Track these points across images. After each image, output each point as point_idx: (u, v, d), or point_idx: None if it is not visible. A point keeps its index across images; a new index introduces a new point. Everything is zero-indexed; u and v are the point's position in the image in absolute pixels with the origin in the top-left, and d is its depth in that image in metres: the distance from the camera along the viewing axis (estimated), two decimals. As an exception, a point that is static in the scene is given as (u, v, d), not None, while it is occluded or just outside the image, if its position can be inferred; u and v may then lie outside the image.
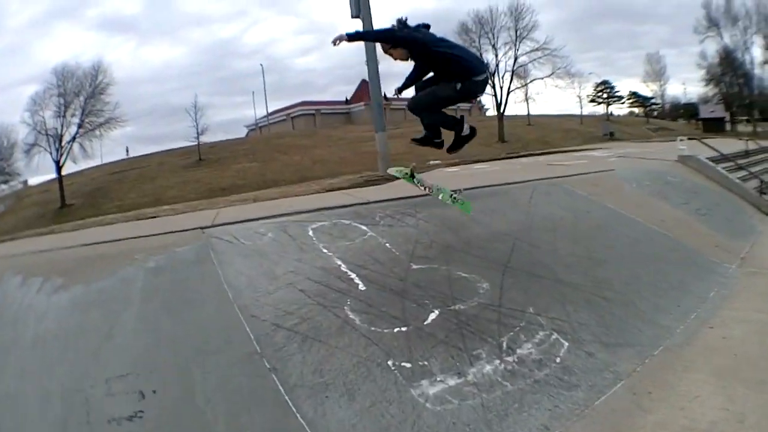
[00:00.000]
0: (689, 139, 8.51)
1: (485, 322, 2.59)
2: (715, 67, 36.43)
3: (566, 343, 2.59)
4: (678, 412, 2.01)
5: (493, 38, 29.03)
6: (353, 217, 3.64)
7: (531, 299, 2.91)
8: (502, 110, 28.73)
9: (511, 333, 2.58)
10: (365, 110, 36.22)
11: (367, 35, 3.96)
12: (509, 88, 29.01)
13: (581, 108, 38.90)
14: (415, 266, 3.13)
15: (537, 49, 28.48)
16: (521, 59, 28.97)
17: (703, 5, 32.64)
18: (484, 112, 41.53)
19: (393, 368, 2.17)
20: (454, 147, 3.43)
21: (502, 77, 28.69)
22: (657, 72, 41.73)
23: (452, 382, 2.18)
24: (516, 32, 28.52)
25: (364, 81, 35.77)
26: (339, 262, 3.02)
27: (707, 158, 7.05)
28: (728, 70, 35.58)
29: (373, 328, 2.44)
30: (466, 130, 3.33)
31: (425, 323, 2.52)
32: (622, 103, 46.68)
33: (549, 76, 29.48)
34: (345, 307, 2.56)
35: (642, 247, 4.10)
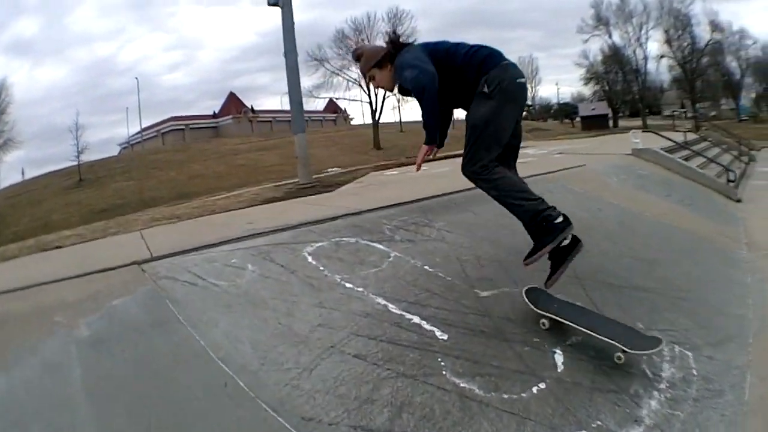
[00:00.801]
0: (643, 131, 10.87)
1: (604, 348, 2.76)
2: (598, 65, 49.72)
3: (690, 353, 3.04)
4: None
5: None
6: (356, 233, 3.69)
7: (629, 312, 3.29)
8: (377, 118, 36.06)
9: (644, 357, 2.86)
10: (233, 123, 50.30)
11: (426, 108, 2.93)
12: (384, 95, 36.30)
13: (454, 114, 52.27)
14: (483, 293, 3.22)
15: None
16: None
17: (593, 4, 46.07)
18: (350, 121, 53.43)
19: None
20: (554, 272, 2.86)
21: None
22: (529, 75, 58.47)
23: (636, 432, 2.27)
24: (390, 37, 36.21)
25: (231, 94, 52.40)
26: (382, 301, 2.94)
27: (662, 149, 9.18)
28: (613, 66, 48.80)
29: (505, 395, 2.36)
30: (565, 235, 2.76)
31: (559, 370, 2.59)
32: None
33: None
34: (444, 372, 2.45)
35: (671, 242, 5.06)
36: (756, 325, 3.56)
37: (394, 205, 4.53)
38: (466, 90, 2.83)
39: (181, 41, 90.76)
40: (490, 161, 2.72)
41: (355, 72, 36.05)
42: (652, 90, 51.49)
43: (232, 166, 28.25)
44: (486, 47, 2.87)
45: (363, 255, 3.41)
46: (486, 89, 2.70)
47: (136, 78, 63.64)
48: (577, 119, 54.75)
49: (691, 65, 46.21)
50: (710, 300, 3.87)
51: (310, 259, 3.25)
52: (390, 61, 2.95)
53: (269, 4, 8.53)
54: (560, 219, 2.69)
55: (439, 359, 2.49)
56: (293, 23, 8.96)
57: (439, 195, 4.98)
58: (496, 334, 2.82)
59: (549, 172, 6.63)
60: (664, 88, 58.41)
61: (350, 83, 37.53)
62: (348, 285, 3.01)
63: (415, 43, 3.11)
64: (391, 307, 2.84)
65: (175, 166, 30.97)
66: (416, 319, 2.79)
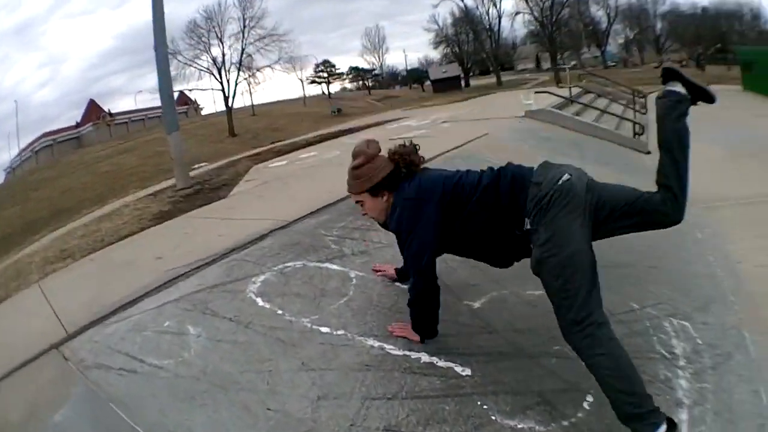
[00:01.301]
0: (536, 92, 11.92)
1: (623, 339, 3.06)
2: (448, 28, 56.19)
3: (687, 323, 3.62)
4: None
5: (220, 32, 41.28)
6: (299, 254, 3.67)
7: (620, 292, 3.76)
8: (230, 104, 40.59)
9: (655, 338, 3.41)
10: (93, 130, 60.07)
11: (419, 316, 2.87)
12: (236, 80, 41.63)
13: (304, 90, 59.78)
14: (474, 304, 3.41)
15: (264, 37, 42.74)
16: (249, 49, 42.31)
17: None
18: (200, 111, 60.73)
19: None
20: None
21: (228, 70, 41.21)
22: (376, 44, 70.54)
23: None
24: (244, 21, 41.92)
25: (91, 101, 62.26)
26: (374, 343, 2.93)
27: (553, 107, 10.25)
28: (464, 28, 54.86)
29: (564, 422, 2.53)
30: None
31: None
32: (343, 79, 74.97)
33: (276, 62, 44.80)
34: (493, 417, 2.53)
35: None
36: (729, 282, 4.27)
37: (322, 208, 4.48)
38: (507, 239, 2.57)
39: (50, 57, 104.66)
40: (597, 312, 2.31)
41: (206, 61, 40.31)
42: (504, 47, 59.16)
43: (98, 174, 29.88)
44: (507, 169, 2.65)
45: (320, 283, 3.36)
46: (530, 225, 2.40)
47: (15, 101, 65.41)
48: (427, 83, 64.07)
49: (550, 19, 52.88)
50: (678, 265, 4.56)
51: (260, 302, 3.15)
52: (388, 188, 2.72)
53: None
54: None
55: (479, 402, 2.55)
56: (163, 14, 9.40)
57: None
58: (516, 352, 2.98)
59: (459, 146, 6.99)
60: (516, 43, 68.30)
61: (202, 72, 40.99)
62: (324, 330, 2.96)
63: (425, 170, 2.81)
64: (389, 347, 2.85)
65: (48, 184, 32.96)
66: (425, 357, 2.82)
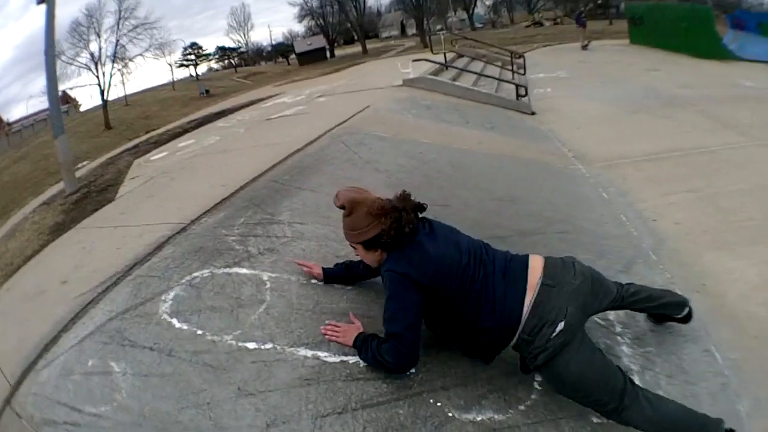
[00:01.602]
0: (414, 60, 12.18)
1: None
2: (314, 0, 61.96)
3: None
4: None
5: (98, 26, 44.03)
6: (204, 261, 3.62)
7: None
8: (105, 97, 43.38)
9: None
10: None
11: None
12: (111, 72, 44.53)
13: (173, 75, 64.88)
14: None
15: (137, 26, 46.28)
16: (122, 40, 45.54)
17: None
18: (79, 108, 62.40)
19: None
20: None
21: (104, 64, 43.97)
22: (241, 22, 75.52)
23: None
24: (120, 13, 45.12)
25: None
26: (308, 352, 2.91)
27: (430, 74, 10.48)
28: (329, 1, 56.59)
29: (521, 406, 2.69)
30: None
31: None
32: (210, 59, 79.58)
33: (147, 50, 48.24)
34: (451, 414, 2.61)
35: (512, 173, 5.94)
36: (647, 241, 4.54)
37: (218, 204, 4.36)
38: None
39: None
40: (622, 389, 2.46)
41: (85, 57, 42.47)
42: (369, 15, 63.20)
43: None
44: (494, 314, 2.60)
45: (233, 292, 3.27)
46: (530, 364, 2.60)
47: None
48: (293, 56, 68.46)
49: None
50: (590, 227, 4.76)
51: (176, 323, 3.02)
52: (383, 247, 2.71)
53: (37, 3, 9.86)
54: None
55: (431, 400, 2.62)
56: (54, 18, 9.93)
57: (253, 179, 4.93)
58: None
59: (343, 122, 6.95)
60: (381, 11, 72.59)
61: (81, 69, 42.84)
62: (250, 346, 2.87)
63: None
64: (323, 355, 2.83)
65: (-45, 203, 29.91)
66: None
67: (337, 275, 3.32)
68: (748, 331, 3.58)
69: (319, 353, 2.81)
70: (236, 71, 71.52)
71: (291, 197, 4.40)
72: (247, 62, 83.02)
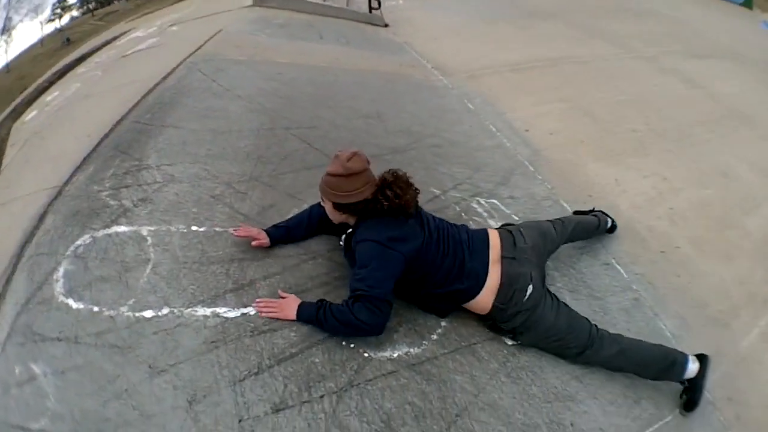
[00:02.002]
0: None
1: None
2: None
3: (495, 200, 3.83)
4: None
5: None
6: (83, 225, 3.25)
7: (429, 186, 3.80)
8: None
9: (471, 222, 3.52)
10: None
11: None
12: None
13: (42, 31, 61.76)
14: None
15: None
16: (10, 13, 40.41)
17: None
18: None
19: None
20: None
21: None
22: None
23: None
24: None
25: None
26: (206, 311, 2.75)
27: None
28: None
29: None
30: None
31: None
32: (72, 9, 76.38)
33: (26, 15, 44.38)
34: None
35: (374, 89, 5.60)
36: (522, 152, 4.47)
37: (86, 158, 3.96)
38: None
39: None
40: (588, 330, 2.74)
41: None
42: None
43: None
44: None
45: (117, 255, 3.00)
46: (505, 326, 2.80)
47: None
48: None
49: None
50: (461, 139, 4.64)
51: (72, 303, 2.74)
52: (356, 213, 2.68)
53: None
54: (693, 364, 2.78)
55: (344, 342, 2.64)
56: None
57: (117, 123, 4.50)
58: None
59: (197, 49, 6.36)
60: None
61: None
62: (147, 314, 2.67)
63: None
64: (221, 311, 2.71)
65: None
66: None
67: (281, 237, 3.13)
68: (650, 245, 3.64)
69: (217, 309, 2.71)
70: (93, 15, 70.26)
71: (156, 137, 4.07)
72: (103, 3, 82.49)
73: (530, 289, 2.65)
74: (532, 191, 3.91)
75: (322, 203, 2.79)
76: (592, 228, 3.47)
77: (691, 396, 2.71)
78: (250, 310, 2.69)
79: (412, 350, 2.61)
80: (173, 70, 5.72)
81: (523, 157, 4.37)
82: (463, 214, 3.54)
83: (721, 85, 6.36)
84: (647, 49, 7.67)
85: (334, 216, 2.76)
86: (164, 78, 5.54)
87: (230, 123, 4.28)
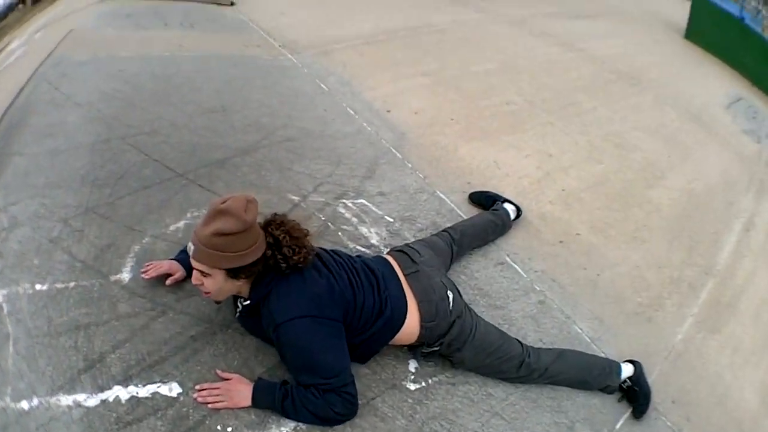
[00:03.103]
0: None
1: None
2: None
3: (363, 200, 3.46)
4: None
5: None
6: None
7: (264, 184, 3.42)
8: None
9: (340, 233, 3.14)
10: None
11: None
12: None
13: None
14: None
15: None
16: None
17: None
18: None
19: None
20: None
21: None
22: None
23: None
24: None
25: None
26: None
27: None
28: None
29: None
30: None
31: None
32: None
33: None
34: None
35: (221, 75, 5.15)
36: (386, 136, 4.12)
37: None
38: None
39: None
40: (517, 347, 2.62)
41: None
42: None
43: None
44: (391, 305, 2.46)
45: None
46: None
47: None
48: None
49: None
50: (316, 127, 4.27)
51: None
52: (250, 274, 2.27)
53: None
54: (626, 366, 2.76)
55: (219, 427, 2.24)
56: None
57: None
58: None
59: (48, 56, 5.65)
60: None
61: None
62: (25, 405, 2.28)
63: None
64: (83, 398, 2.30)
65: None
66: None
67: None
68: (546, 236, 3.40)
69: (77, 397, 2.32)
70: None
71: (3, 170, 3.56)
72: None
73: (450, 295, 2.53)
74: (403, 183, 3.60)
75: (198, 278, 2.28)
76: (489, 230, 3.25)
77: (635, 395, 2.65)
78: (109, 396, 2.30)
79: (301, 425, 2.25)
80: (25, 84, 5.03)
81: (388, 143, 4.03)
82: (329, 224, 3.17)
83: (601, 46, 6.40)
84: (515, 12, 7.60)
85: (225, 289, 2.30)
86: (17, 96, 4.85)
87: (68, 139, 3.78)
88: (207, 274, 2.20)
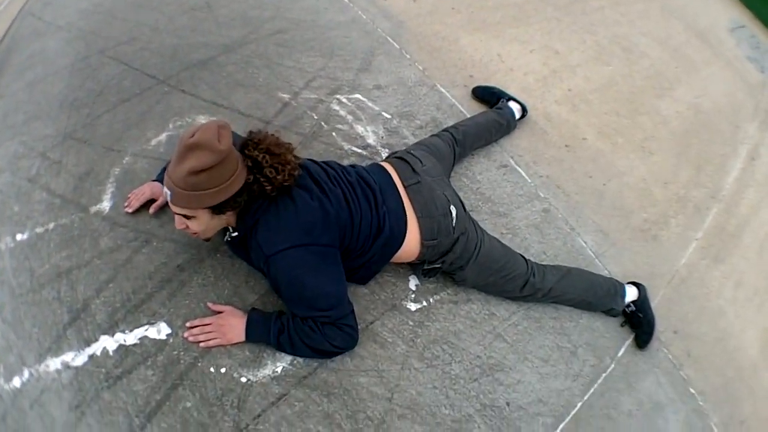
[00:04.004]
0: None
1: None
2: None
3: (359, 95, 3.24)
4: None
5: None
6: None
7: (251, 84, 3.20)
8: None
9: (334, 133, 2.97)
10: None
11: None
12: None
13: None
14: None
15: None
16: None
17: None
18: None
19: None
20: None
21: None
22: None
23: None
24: None
25: None
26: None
27: None
28: None
29: None
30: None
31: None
32: None
33: None
34: None
35: None
36: (382, 25, 3.80)
37: None
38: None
39: None
40: (525, 264, 2.49)
41: None
42: None
43: None
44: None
45: None
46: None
47: None
48: None
49: None
50: (308, 17, 3.88)
51: None
52: (235, 205, 2.01)
53: None
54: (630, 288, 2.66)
55: (212, 369, 2.16)
56: None
57: None
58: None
59: None
60: None
61: None
62: (16, 382, 2.18)
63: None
64: (71, 358, 2.21)
65: None
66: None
67: None
68: (552, 138, 3.20)
69: (65, 357, 2.20)
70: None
71: None
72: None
73: (454, 210, 2.34)
74: (401, 75, 3.34)
75: (182, 221, 2.09)
76: (493, 130, 3.02)
77: (639, 322, 2.57)
78: (96, 350, 2.18)
79: (298, 358, 2.16)
80: (11, 24, 4.49)
81: (385, 32, 3.71)
82: (323, 123, 2.93)
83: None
84: None
85: (212, 226, 2.11)
86: (2, 38, 4.38)
87: (46, 66, 3.41)
88: (189, 217, 2.04)
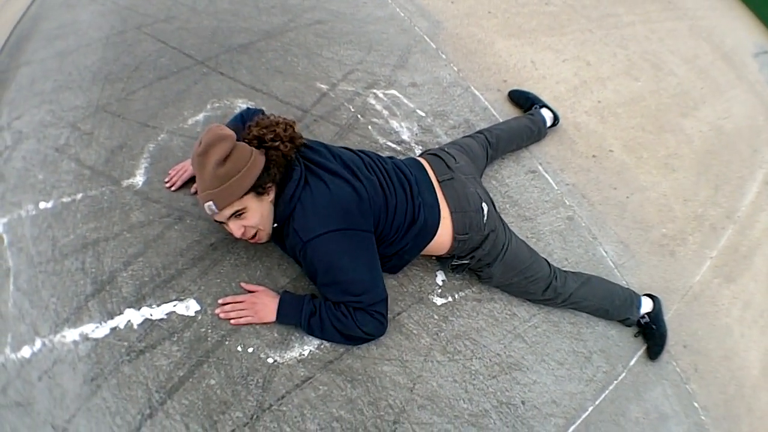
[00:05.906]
0: None
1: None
2: None
3: (395, 91, 3.20)
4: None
5: None
6: None
7: (291, 72, 3.14)
8: None
9: (370, 126, 2.93)
10: None
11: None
12: None
13: None
14: None
15: None
16: None
17: None
18: None
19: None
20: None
21: None
22: None
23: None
24: None
25: None
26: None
27: None
28: None
29: None
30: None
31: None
32: None
33: None
34: None
35: None
36: (420, 24, 3.76)
37: None
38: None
39: None
40: (549, 269, 2.48)
41: None
42: None
43: None
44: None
45: None
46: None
47: None
48: None
49: None
50: (347, 10, 3.86)
51: None
52: (275, 179, 2.04)
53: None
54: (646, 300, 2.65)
55: (240, 348, 2.12)
56: None
57: None
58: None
59: None
60: None
61: None
62: (26, 353, 2.11)
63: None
64: (91, 329, 2.13)
65: None
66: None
67: None
68: (580, 147, 3.17)
69: (84, 329, 2.12)
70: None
71: (9, 85, 3.06)
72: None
73: (485, 207, 2.32)
74: (437, 75, 3.31)
75: (238, 225, 2.05)
76: (525, 136, 3.00)
77: (652, 334, 2.55)
78: (119, 323, 2.12)
79: (325, 342, 2.12)
80: None
81: (422, 31, 3.67)
82: (359, 116, 2.90)
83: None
84: None
85: (265, 213, 2.06)
86: (29, 6, 4.23)
87: (79, 38, 3.32)
88: (241, 212, 2.02)
